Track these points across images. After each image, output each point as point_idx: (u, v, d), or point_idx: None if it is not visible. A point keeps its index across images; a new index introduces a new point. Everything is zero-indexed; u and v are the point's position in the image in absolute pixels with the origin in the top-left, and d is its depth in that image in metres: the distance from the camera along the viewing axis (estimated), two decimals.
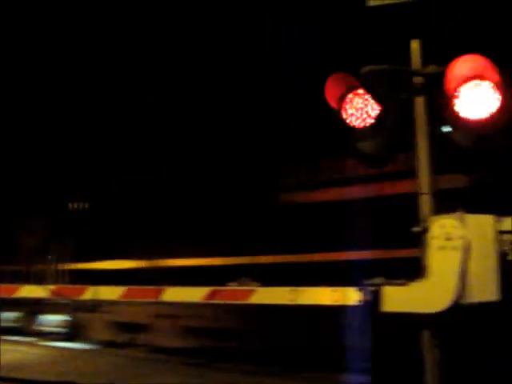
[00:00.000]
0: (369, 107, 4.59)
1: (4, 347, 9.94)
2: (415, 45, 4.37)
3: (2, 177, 11.64)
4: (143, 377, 7.38)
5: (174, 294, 5.55)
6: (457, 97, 4.13)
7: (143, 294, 6.07)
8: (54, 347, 10.19)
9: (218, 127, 9.89)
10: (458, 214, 3.94)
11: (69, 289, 6.59)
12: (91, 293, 6.38)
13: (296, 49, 7.82)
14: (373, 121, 4.57)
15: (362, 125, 4.62)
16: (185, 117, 10.35)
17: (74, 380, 6.97)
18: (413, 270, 4.06)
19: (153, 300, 6.15)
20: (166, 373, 7.62)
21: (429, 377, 4.20)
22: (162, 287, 5.82)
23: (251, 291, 5.06)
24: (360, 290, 4.11)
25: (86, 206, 11.93)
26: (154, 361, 8.58)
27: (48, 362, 8.57)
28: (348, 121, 4.68)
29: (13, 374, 7.30)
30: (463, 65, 4.05)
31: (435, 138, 4.25)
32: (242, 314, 7.67)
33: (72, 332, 10.79)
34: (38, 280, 10.78)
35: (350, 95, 4.67)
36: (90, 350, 9.87)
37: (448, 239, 3.93)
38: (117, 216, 11.05)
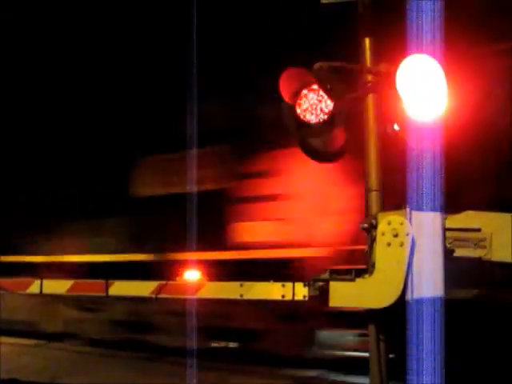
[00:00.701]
0: (323, 103, 4.64)
1: None
2: (367, 42, 4.42)
3: None
4: (85, 372, 7.28)
5: (122, 288, 5.48)
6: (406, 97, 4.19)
7: (90, 287, 5.97)
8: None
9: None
10: (404, 211, 4.01)
11: (13, 282, 6.37)
12: (36, 286, 6.23)
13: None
14: (325, 117, 4.61)
15: (316, 121, 4.66)
16: None
17: (17, 377, 6.80)
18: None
19: (101, 294, 6.05)
20: (111, 368, 7.55)
21: (374, 370, 4.30)
22: (110, 281, 5.74)
23: (200, 285, 5.07)
24: (307, 285, 4.15)
25: None
26: (98, 355, 8.52)
27: None
28: (302, 116, 4.71)
29: None
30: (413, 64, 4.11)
31: (385, 136, 4.32)
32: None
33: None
34: None
35: (305, 91, 4.70)
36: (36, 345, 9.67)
37: (395, 236, 4.00)
38: None
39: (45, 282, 6.16)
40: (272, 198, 7.50)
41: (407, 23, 4.27)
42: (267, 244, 7.34)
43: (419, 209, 3.90)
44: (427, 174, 3.85)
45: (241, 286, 4.57)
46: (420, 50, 4.14)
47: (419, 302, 3.88)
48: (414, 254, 3.89)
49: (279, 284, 4.46)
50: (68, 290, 6.10)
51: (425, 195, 3.85)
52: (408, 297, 3.99)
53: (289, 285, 4.34)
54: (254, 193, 7.71)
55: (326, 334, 6.60)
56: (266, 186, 7.49)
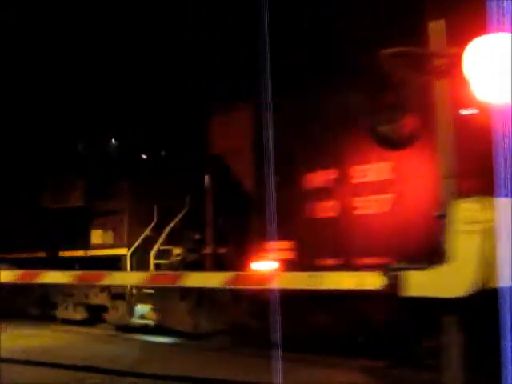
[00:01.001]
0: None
1: (28, 332, 10.21)
2: (436, 26, 4.30)
3: None
4: (160, 362, 7.45)
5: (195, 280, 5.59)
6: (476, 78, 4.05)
7: (166, 279, 6.14)
8: (75, 332, 10.38)
9: None
10: (479, 198, 3.90)
11: (90, 275, 6.61)
12: (110, 278, 6.46)
13: None
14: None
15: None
16: None
17: (94, 364, 7.07)
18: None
19: (176, 285, 6.21)
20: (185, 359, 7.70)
21: (449, 361, 4.21)
22: (181, 273, 5.89)
23: (273, 276, 5.13)
24: (382, 274, 4.10)
25: None
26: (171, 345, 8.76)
27: (70, 347, 8.73)
28: None
29: (39, 358, 7.45)
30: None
31: (458, 121, 4.20)
32: None
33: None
34: None
35: None
36: (110, 335, 10.03)
37: (470, 223, 3.89)
38: None
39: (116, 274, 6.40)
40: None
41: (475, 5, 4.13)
42: None
43: (498, 195, 3.77)
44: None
45: (311, 276, 4.55)
46: (492, 30, 4.00)
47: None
48: (493, 242, 3.77)
49: (351, 273, 4.44)
50: (145, 282, 6.32)
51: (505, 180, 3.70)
52: (484, 286, 3.88)
53: (362, 274, 4.30)
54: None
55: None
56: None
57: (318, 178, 6.71)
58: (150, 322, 9.69)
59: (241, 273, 5.39)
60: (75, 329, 10.73)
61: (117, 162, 11.11)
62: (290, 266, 6.54)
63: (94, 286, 10.35)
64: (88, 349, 8.59)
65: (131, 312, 9.96)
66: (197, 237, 8.97)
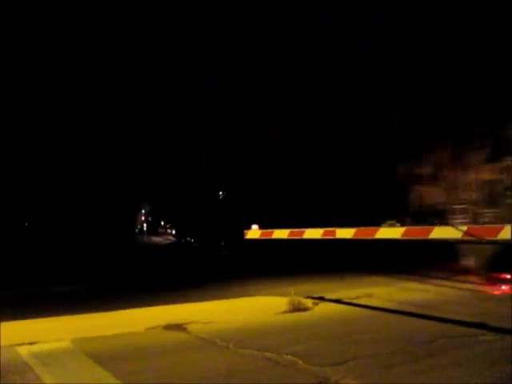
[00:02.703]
0: None
1: (413, 286, 10.69)
2: None
3: None
4: None
5: None
6: None
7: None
8: (461, 289, 10.33)
9: None
10: None
11: (482, 229, 6.34)
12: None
13: None
14: None
15: None
16: None
17: (484, 321, 6.90)
18: None
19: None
20: None
21: None
22: None
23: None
24: None
25: None
26: None
27: (457, 303, 8.74)
28: None
29: (422, 312, 7.72)
30: None
31: None
32: None
33: None
34: None
35: None
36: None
37: None
38: None
39: None
40: None
41: None
42: None
43: None
44: None
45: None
46: None
47: None
48: None
49: None
50: None
51: None
52: None
53: None
54: None
55: None
56: None
57: None
58: None
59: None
60: (459, 285, 10.69)
61: None
62: None
63: None
64: (474, 306, 8.45)
65: None
66: None
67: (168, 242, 47.55)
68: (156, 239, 53.81)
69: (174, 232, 54.63)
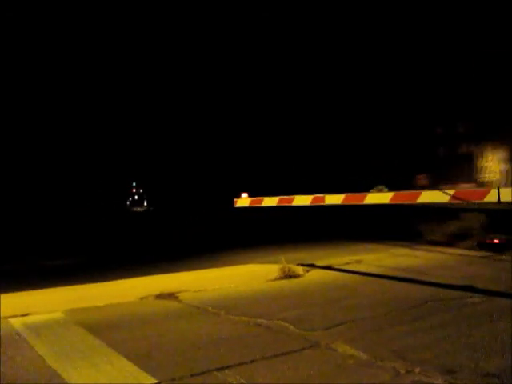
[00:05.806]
0: None
1: (403, 252, 10.81)
2: None
3: None
4: None
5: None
6: None
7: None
8: (451, 254, 10.48)
9: None
10: None
11: (469, 192, 6.38)
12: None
13: None
14: None
15: None
16: None
17: (472, 284, 7.04)
18: None
19: None
20: None
21: None
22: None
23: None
24: None
25: None
26: None
27: (445, 267, 8.87)
28: None
29: (411, 276, 7.83)
30: None
31: None
32: None
33: None
34: None
35: None
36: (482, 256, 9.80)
37: None
38: None
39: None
40: None
41: None
42: None
43: None
44: None
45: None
46: None
47: None
48: None
49: None
50: None
51: None
52: None
53: None
54: None
55: None
56: None
57: None
58: None
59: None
60: (448, 250, 10.83)
61: None
62: None
63: None
64: (462, 270, 8.58)
65: None
66: None
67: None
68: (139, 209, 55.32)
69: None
